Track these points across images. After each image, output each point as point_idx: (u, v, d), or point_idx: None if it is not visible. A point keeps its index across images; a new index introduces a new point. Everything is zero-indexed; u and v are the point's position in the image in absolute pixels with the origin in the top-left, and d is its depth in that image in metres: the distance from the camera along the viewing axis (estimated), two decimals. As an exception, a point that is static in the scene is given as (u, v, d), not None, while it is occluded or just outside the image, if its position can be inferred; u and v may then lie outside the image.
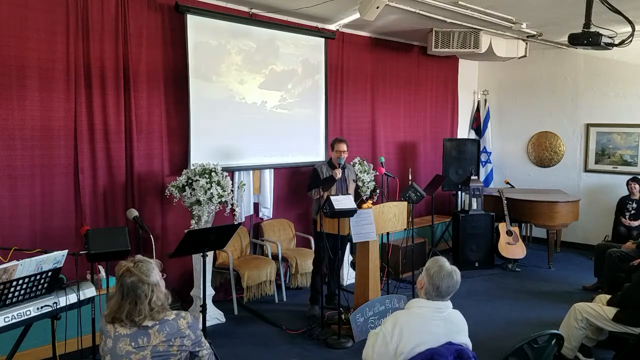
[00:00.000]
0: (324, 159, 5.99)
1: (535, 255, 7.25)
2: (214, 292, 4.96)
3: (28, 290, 2.93)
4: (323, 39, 6.24)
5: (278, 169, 6.03)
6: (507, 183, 8.18)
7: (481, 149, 8.36)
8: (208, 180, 4.51)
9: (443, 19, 5.83)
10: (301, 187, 5.86)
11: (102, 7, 4.56)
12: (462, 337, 2.55)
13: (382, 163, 5.92)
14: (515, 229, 6.78)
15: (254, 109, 5.65)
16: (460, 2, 5.34)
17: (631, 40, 4.55)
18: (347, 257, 6.07)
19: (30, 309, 2.94)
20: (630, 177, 6.84)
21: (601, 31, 4.40)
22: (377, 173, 5.99)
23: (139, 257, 2.35)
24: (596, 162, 7.84)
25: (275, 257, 5.63)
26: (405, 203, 5.26)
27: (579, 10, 4.56)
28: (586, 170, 7.93)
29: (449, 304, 2.57)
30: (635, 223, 6.58)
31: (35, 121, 4.25)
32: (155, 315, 2.24)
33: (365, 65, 6.97)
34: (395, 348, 2.44)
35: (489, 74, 8.85)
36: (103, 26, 4.57)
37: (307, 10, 5.59)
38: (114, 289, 2.30)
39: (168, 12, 5.00)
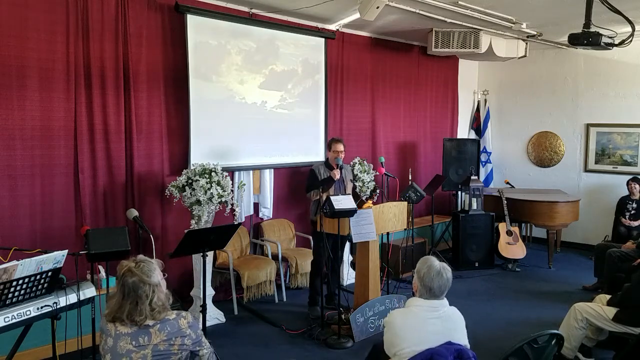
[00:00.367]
0: (324, 159, 5.99)
1: (535, 255, 7.25)
2: (214, 292, 4.96)
3: (28, 290, 2.93)
4: (323, 39, 6.24)
5: (278, 169, 6.03)
6: (507, 183, 8.19)
7: (481, 149, 8.36)
8: (208, 180, 4.51)
9: (443, 19, 5.83)
10: (301, 187, 5.86)
11: (102, 7, 4.56)
12: (459, 335, 2.55)
13: (382, 163, 5.93)
14: (515, 229, 6.78)
15: (254, 109, 5.65)
16: (460, 2, 5.34)
17: (631, 40, 4.55)
18: (347, 257, 6.07)
19: (30, 309, 2.94)
20: (630, 177, 6.84)
21: (601, 31, 4.39)
22: (377, 173, 5.99)
23: (140, 257, 2.35)
24: (596, 162, 7.84)
25: (275, 257, 5.63)
26: (405, 203, 5.26)
27: (579, 10, 4.56)
28: (586, 170, 7.93)
29: (444, 302, 2.58)
30: (635, 223, 6.58)
31: (35, 121, 4.25)
32: (156, 315, 2.24)
33: (365, 65, 6.97)
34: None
35: (489, 74, 8.85)
36: (103, 26, 4.57)
37: (307, 10, 5.59)
38: (115, 288, 2.30)
39: (168, 12, 5.00)
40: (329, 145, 5.27)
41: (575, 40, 4.44)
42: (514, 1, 5.36)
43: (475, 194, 6.82)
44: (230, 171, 5.32)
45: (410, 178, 6.10)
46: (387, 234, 5.25)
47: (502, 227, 6.77)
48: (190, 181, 4.54)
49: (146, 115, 4.92)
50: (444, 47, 6.48)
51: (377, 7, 4.79)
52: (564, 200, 6.91)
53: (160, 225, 5.07)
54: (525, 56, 7.31)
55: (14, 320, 2.85)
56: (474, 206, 6.82)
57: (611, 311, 3.81)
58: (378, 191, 5.92)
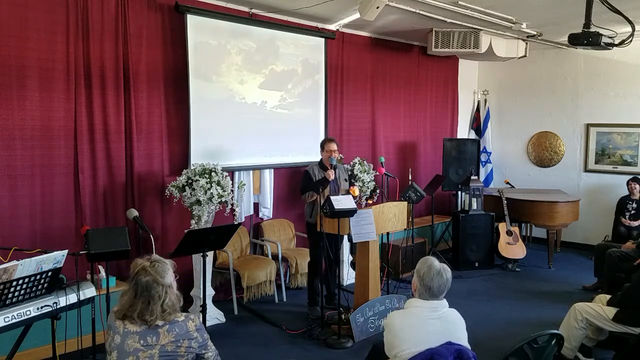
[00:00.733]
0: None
1: (535, 255, 7.25)
2: (214, 292, 4.96)
3: (28, 290, 2.93)
4: (323, 39, 6.24)
5: (278, 169, 6.03)
6: (507, 183, 8.19)
7: (481, 149, 8.36)
8: (208, 180, 4.51)
9: (443, 19, 5.83)
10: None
11: (102, 7, 4.56)
12: (460, 335, 2.55)
13: (382, 163, 5.93)
14: (515, 229, 6.78)
15: (254, 109, 5.65)
16: (460, 2, 5.34)
17: (631, 40, 4.55)
18: (347, 257, 6.07)
19: (30, 309, 2.93)
20: (630, 177, 6.85)
21: (601, 31, 4.40)
22: (377, 173, 5.99)
23: (155, 256, 2.34)
24: (596, 162, 7.84)
25: (275, 257, 5.63)
26: (405, 203, 5.27)
27: (579, 10, 4.56)
28: (586, 170, 7.93)
29: (444, 302, 2.58)
30: (635, 223, 6.58)
31: (35, 121, 4.24)
32: (166, 316, 2.24)
33: (365, 65, 6.97)
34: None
35: (489, 74, 8.85)
36: (103, 26, 4.57)
37: (307, 10, 5.59)
38: (127, 286, 2.28)
39: (168, 12, 5.00)
40: (322, 145, 5.22)
41: (575, 40, 4.44)
42: (514, 1, 5.36)
43: (475, 194, 6.82)
44: (230, 171, 5.32)
45: (410, 178, 6.10)
46: (387, 234, 5.25)
47: (502, 227, 6.77)
48: (190, 181, 4.54)
49: (146, 115, 4.92)
50: (444, 47, 6.48)
51: (377, 7, 4.79)
52: (564, 200, 6.91)
53: (160, 225, 5.06)
54: (525, 56, 7.31)
55: (14, 320, 2.85)
56: (474, 206, 6.82)
57: (611, 311, 3.81)
58: (378, 191, 5.92)
